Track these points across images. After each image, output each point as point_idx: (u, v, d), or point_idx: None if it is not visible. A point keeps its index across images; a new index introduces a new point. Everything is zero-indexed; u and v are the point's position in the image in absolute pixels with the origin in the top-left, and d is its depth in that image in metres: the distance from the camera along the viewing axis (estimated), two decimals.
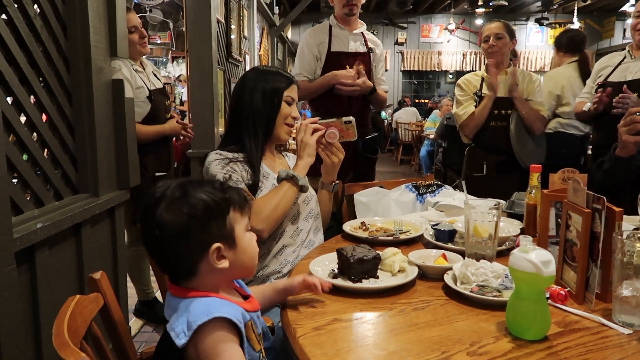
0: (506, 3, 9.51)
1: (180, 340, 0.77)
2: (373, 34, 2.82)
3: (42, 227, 1.43)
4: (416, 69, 12.19)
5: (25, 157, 1.49)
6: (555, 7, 10.31)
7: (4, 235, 1.25)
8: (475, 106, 2.56)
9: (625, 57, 2.51)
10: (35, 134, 1.56)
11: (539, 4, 10.46)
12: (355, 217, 1.89)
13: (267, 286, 1.12)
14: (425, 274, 1.17)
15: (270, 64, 7.39)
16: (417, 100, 12.53)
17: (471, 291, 1.03)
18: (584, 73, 3.05)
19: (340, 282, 1.09)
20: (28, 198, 1.50)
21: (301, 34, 2.73)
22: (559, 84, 3.12)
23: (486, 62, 2.62)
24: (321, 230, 1.64)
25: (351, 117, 1.58)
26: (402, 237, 1.44)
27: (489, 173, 2.55)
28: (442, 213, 1.69)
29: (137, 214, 2.32)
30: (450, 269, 1.12)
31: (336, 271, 1.15)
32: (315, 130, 1.52)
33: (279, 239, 1.48)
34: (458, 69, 12.05)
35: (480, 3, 9.54)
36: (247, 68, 5.43)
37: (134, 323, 2.62)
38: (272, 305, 1.10)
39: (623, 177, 1.76)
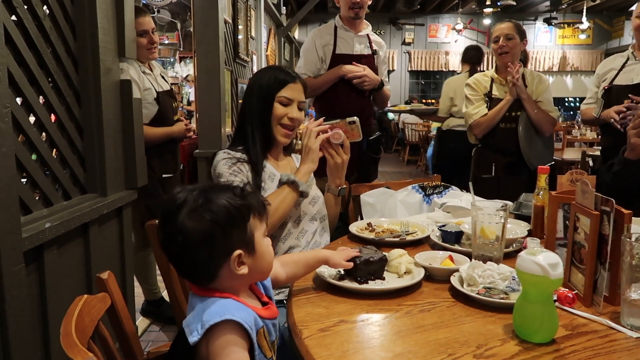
0: (514, 3, 9.45)
1: (193, 338, 0.78)
2: (380, 34, 2.83)
3: (51, 227, 1.44)
4: (423, 69, 12.16)
5: (34, 157, 1.50)
6: (564, 6, 10.25)
7: (13, 235, 1.26)
8: (487, 108, 2.54)
9: (628, 59, 2.46)
10: (44, 134, 1.57)
11: (548, 3, 10.40)
12: (361, 218, 1.89)
13: (311, 256, 1.14)
14: (432, 276, 1.17)
15: (277, 64, 7.39)
16: (424, 100, 12.49)
17: (478, 293, 1.02)
18: None
19: (346, 283, 1.09)
20: (37, 198, 1.51)
21: (308, 34, 2.71)
22: (454, 88, 3.84)
23: (496, 62, 2.60)
24: (327, 231, 1.63)
25: (355, 117, 1.57)
26: (409, 238, 1.44)
27: (498, 174, 2.54)
28: (448, 214, 1.68)
29: (146, 216, 2.34)
30: (457, 270, 1.11)
31: (342, 272, 1.15)
32: (320, 133, 1.51)
33: (285, 241, 1.48)
34: None
35: (488, 3, 9.50)
36: (255, 68, 5.44)
37: (141, 322, 2.63)
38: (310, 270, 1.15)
39: (632, 180, 1.74)
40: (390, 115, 10.30)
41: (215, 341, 0.78)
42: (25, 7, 1.45)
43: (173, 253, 0.86)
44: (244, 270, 0.85)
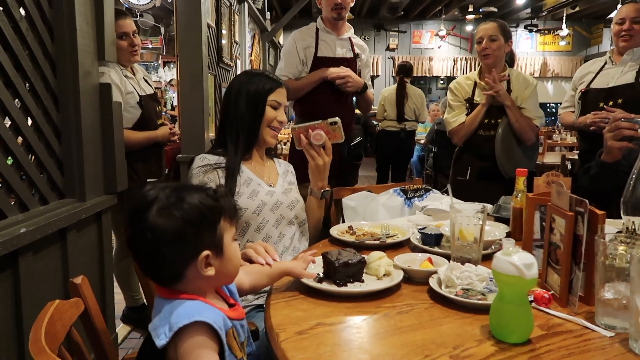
0: (496, 10, 9.62)
1: (161, 341, 0.76)
2: (365, 39, 2.82)
3: (26, 232, 1.42)
4: None
5: (9, 161, 1.48)
6: (544, 14, 10.44)
7: None
8: (467, 114, 2.47)
9: (606, 63, 2.49)
10: (20, 137, 1.54)
11: (529, 10, 10.58)
12: (343, 221, 1.89)
13: (274, 266, 1.14)
14: (411, 278, 1.17)
15: (261, 69, 7.38)
16: None
17: (456, 295, 1.03)
18: (398, 92, 5.15)
19: (325, 286, 1.09)
20: (12, 203, 1.49)
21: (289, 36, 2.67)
22: (384, 97, 5.26)
23: (480, 65, 2.52)
24: (307, 237, 1.63)
25: (337, 118, 1.57)
26: (389, 241, 1.44)
27: (472, 179, 2.48)
28: (429, 217, 1.69)
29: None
30: (436, 272, 1.12)
31: (321, 275, 1.14)
32: (300, 135, 1.52)
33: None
34: (449, 75, 12.13)
35: (470, 9, 9.63)
36: (239, 73, 5.42)
37: (121, 329, 2.59)
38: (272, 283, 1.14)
39: (609, 183, 1.76)
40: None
41: (184, 343, 0.76)
42: (1, 8, 1.43)
43: (140, 250, 0.84)
44: (210, 271, 0.84)
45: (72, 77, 1.75)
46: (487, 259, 1.25)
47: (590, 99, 2.44)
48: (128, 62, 2.49)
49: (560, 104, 2.82)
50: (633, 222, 1.08)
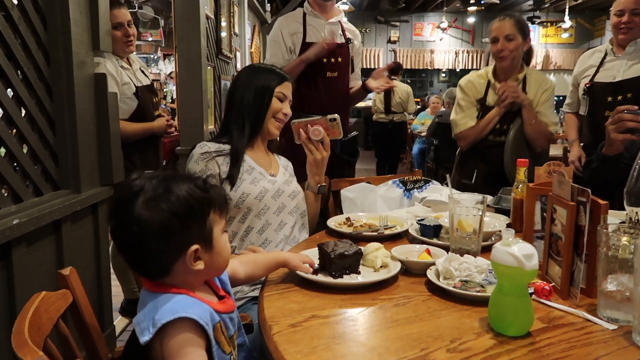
0: (498, 1, 9.52)
1: (144, 337, 0.74)
2: (365, 32, 2.76)
3: (19, 224, 1.40)
4: (409, 67, 12.16)
5: (2, 152, 1.45)
6: (546, 5, 10.34)
7: None
8: (477, 116, 2.22)
9: (606, 55, 2.41)
10: (13, 128, 1.52)
11: (531, 2, 10.48)
12: (342, 213, 1.87)
13: (270, 257, 1.12)
14: (409, 269, 1.15)
15: (261, 61, 7.34)
16: None
17: (454, 286, 1.00)
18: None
19: (320, 278, 1.07)
20: (5, 194, 1.46)
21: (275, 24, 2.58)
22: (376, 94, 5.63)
23: (495, 65, 2.23)
24: (307, 228, 1.62)
25: (336, 115, 1.55)
26: (387, 232, 1.42)
27: (477, 183, 2.24)
28: (428, 208, 1.67)
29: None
30: (434, 264, 1.09)
31: (317, 266, 1.12)
32: (300, 129, 1.53)
33: (262, 232, 1.46)
34: (451, 67, 12.06)
35: (472, 1, 9.54)
36: (238, 65, 5.39)
37: (120, 322, 2.58)
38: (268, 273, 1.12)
39: (611, 175, 1.74)
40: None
41: (170, 341, 0.73)
42: None
43: (125, 243, 0.81)
44: (199, 266, 0.81)
45: (65, 66, 1.72)
46: (486, 250, 1.22)
47: (597, 93, 2.38)
48: (123, 53, 2.46)
49: (562, 97, 2.76)
50: (636, 212, 1.05)
